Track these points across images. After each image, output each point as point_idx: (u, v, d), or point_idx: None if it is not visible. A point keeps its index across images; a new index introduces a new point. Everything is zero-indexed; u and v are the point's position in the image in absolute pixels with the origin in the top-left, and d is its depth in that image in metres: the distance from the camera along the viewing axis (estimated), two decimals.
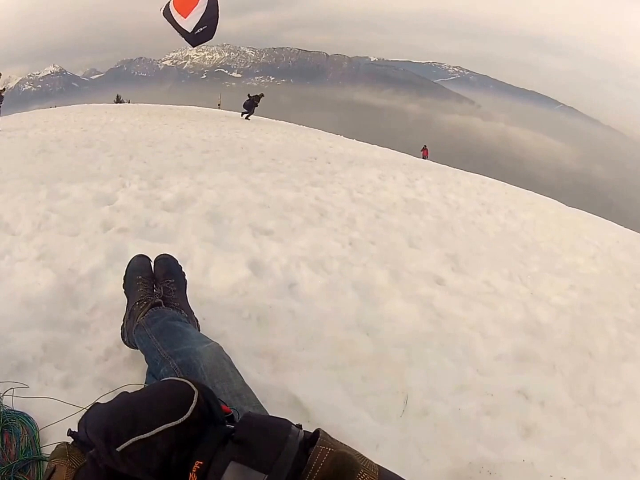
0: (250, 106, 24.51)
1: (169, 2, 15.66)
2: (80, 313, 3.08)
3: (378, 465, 1.18)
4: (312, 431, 1.27)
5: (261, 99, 24.43)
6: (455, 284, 4.52)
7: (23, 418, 2.07)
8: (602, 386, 3.41)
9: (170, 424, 1.20)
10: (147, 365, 2.25)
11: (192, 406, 1.24)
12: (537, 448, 2.55)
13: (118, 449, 1.17)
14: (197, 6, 14.88)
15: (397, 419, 2.56)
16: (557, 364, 3.47)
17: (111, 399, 1.40)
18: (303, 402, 2.50)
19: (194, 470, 1.13)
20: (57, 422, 2.04)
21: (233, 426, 1.29)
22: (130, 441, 1.17)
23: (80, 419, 1.38)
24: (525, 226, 8.30)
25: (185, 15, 14.97)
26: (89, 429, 1.28)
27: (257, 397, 1.98)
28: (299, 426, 1.27)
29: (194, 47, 15.31)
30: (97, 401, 1.47)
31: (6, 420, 2.04)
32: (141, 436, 1.17)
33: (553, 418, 2.85)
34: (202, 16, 14.83)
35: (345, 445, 1.22)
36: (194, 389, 1.29)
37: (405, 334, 3.44)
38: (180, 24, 14.89)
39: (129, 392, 1.45)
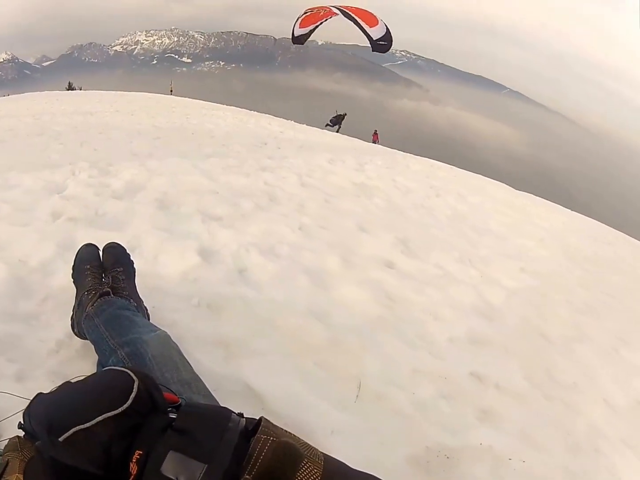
0: (336, 122, 25.81)
1: (341, 8, 16.15)
2: (31, 305, 3.03)
3: (323, 454, 1.18)
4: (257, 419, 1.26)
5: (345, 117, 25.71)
6: (407, 267, 4.54)
7: None
8: (557, 368, 3.47)
9: (110, 414, 1.19)
10: (97, 356, 2.23)
11: (132, 395, 1.24)
12: (495, 431, 2.58)
13: (60, 439, 1.16)
14: (379, 24, 15.47)
15: (352, 405, 2.56)
16: (510, 346, 3.52)
17: (53, 388, 1.39)
18: (256, 390, 2.49)
19: (134, 460, 1.13)
20: (11, 416, 1.95)
21: (174, 415, 1.29)
22: (72, 431, 1.16)
23: (24, 410, 1.37)
24: (475, 209, 8.35)
25: (371, 25, 15.37)
26: (33, 419, 1.29)
27: (210, 385, 1.98)
28: (241, 415, 1.28)
29: (372, 51, 15.69)
30: (41, 391, 1.43)
31: None
32: (82, 426, 1.16)
33: (509, 401, 2.88)
34: (385, 34, 15.44)
35: (289, 433, 1.22)
36: (134, 377, 1.28)
37: (358, 318, 3.45)
38: (365, 29, 15.35)
39: (72, 381, 1.44)
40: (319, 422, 2.37)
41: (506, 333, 3.72)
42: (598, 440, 2.86)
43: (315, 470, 1.09)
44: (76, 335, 2.58)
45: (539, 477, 2.44)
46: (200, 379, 1.98)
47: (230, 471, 1.08)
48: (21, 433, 1.51)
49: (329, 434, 2.31)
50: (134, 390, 1.24)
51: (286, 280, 3.80)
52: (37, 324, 2.83)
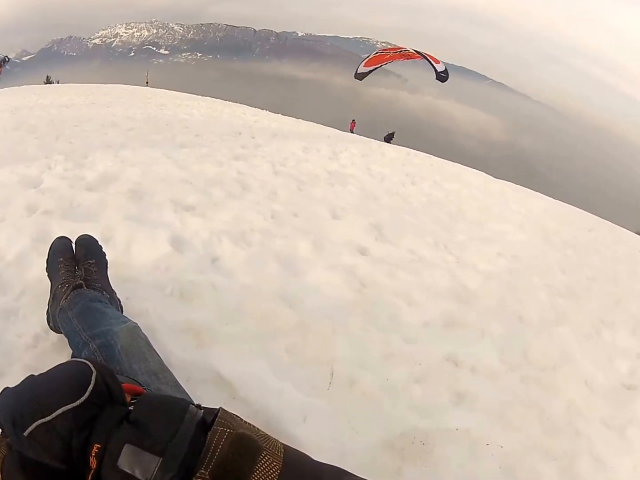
0: (389, 139, 25.84)
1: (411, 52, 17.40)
2: (8, 299, 3.03)
3: (284, 446, 1.16)
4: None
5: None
6: (380, 253, 4.57)
7: None
8: (535, 351, 3.51)
9: (68, 406, 1.17)
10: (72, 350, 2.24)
11: (90, 387, 1.21)
12: (471, 415, 2.61)
13: (25, 434, 1.14)
14: (440, 63, 17.37)
15: (324, 390, 2.58)
16: (486, 329, 3.56)
17: (21, 382, 1.37)
18: (227, 378, 2.50)
19: (92, 454, 1.11)
20: None
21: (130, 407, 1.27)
22: (34, 425, 1.15)
23: None
24: (451, 196, 8.41)
25: (436, 63, 17.16)
26: (1, 414, 1.24)
27: (181, 375, 2.02)
28: (199, 406, 1.25)
29: (436, 79, 17.52)
30: (7, 386, 1.40)
31: None
32: (43, 420, 1.15)
33: (485, 384, 2.92)
34: (444, 69, 17.21)
35: (248, 424, 1.20)
36: (92, 369, 1.26)
37: (330, 303, 3.47)
38: (433, 64, 17.03)
39: (35, 374, 1.42)
40: (290, 408, 2.39)
41: (482, 316, 3.75)
42: (578, 421, 2.89)
43: (275, 463, 1.08)
44: (52, 329, 2.59)
45: (517, 460, 2.46)
46: (169, 370, 1.98)
47: (186, 464, 1.06)
48: None
49: (302, 421, 2.32)
50: (92, 381, 1.22)
51: (257, 267, 3.81)
52: (14, 319, 2.83)
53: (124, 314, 2.50)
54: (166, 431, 1.10)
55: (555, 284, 5.00)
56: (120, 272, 3.08)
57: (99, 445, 1.11)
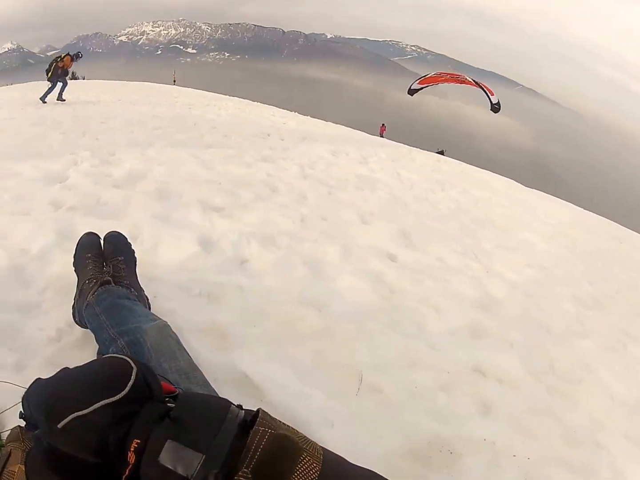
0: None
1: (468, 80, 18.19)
2: (31, 293, 3.03)
3: (322, 448, 1.13)
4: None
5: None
6: (408, 259, 4.51)
7: None
8: (561, 363, 3.44)
9: (107, 401, 1.14)
10: (98, 345, 2.22)
11: (130, 383, 1.19)
12: (498, 426, 2.55)
13: (59, 426, 1.11)
14: (495, 94, 17.89)
15: (352, 396, 2.54)
16: (513, 340, 3.49)
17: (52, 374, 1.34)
18: (254, 380, 2.47)
19: (132, 449, 1.08)
20: (12, 407, 1.98)
21: (172, 405, 1.24)
22: (69, 418, 1.12)
23: (23, 395, 1.33)
24: (479, 204, 8.34)
25: (491, 94, 17.67)
26: (32, 405, 1.25)
27: (207, 375, 1.96)
28: (239, 406, 1.22)
29: (490, 110, 18.00)
30: (39, 377, 1.38)
31: None
32: (79, 413, 1.12)
33: (512, 395, 2.86)
34: (498, 101, 17.63)
35: (288, 426, 1.17)
36: (133, 365, 1.24)
37: (357, 309, 3.42)
38: (488, 96, 17.49)
39: (70, 367, 1.39)
40: (317, 413, 2.35)
41: (508, 326, 3.68)
42: (599, 434, 2.83)
43: (315, 465, 1.05)
44: (77, 324, 2.57)
45: (540, 472, 2.40)
46: (198, 369, 1.97)
47: (228, 463, 1.04)
48: (22, 423, 1.49)
49: (330, 426, 2.29)
50: (132, 377, 1.20)
51: (285, 270, 3.78)
52: (37, 313, 2.83)
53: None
54: (209, 429, 1.08)
55: (582, 295, 4.92)
56: (146, 271, 3.04)
57: (139, 441, 1.08)
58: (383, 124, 33.39)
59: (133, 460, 1.07)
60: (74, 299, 2.58)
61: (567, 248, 6.91)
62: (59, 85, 15.47)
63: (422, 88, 18.68)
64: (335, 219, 5.20)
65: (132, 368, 1.22)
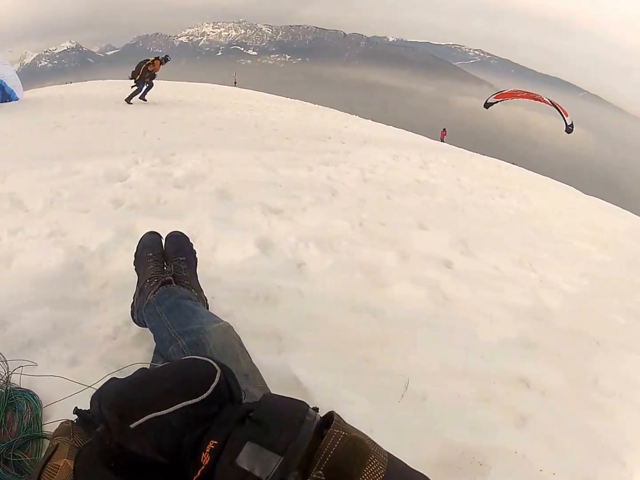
0: None
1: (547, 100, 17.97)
2: (90, 290, 3.09)
3: (387, 452, 1.16)
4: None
5: None
6: (464, 267, 4.47)
7: (29, 396, 2.08)
8: (605, 377, 3.32)
9: (189, 402, 1.18)
10: (154, 344, 2.26)
11: (214, 385, 1.23)
12: (530, 439, 2.49)
13: (132, 426, 1.14)
14: (569, 115, 17.39)
15: (395, 403, 2.53)
16: (563, 352, 3.41)
17: (129, 374, 1.37)
18: (303, 384, 2.49)
19: (207, 450, 1.10)
20: (61, 400, 2.04)
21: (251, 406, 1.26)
22: (146, 418, 1.15)
23: (94, 394, 1.36)
24: (539, 212, 8.18)
25: (566, 115, 17.26)
26: (103, 403, 1.26)
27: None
28: (316, 409, 1.26)
29: (565, 131, 17.61)
30: (113, 376, 1.43)
31: (12, 398, 2.05)
32: (157, 413, 1.15)
33: (551, 408, 2.79)
34: (572, 122, 17.36)
35: (357, 429, 1.20)
36: (217, 367, 1.28)
37: (412, 316, 3.40)
38: (563, 117, 17.25)
39: (148, 368, 1.45)
40: (359, 419, 2.34)
41: (559, 338, 3.61)
42: (627, 454, 2.75)
43: (381, 467, 1.07)
44: (135, 322, 2.61)
45: None
46: (258, 371, 1.99)
47: (303, 465, 1.06)
48: (73, 418, 1.54)
49: (369, 432, 2.29)
50: (215, 379, 1.24)
51: (342, 275, 3.78)
52: (95, 310, 2.89)
53: None
54: (289, 431, 1.11)
55: (635, 308, 4.76)
56: (206, 272, 3.07)
57: (216, 442, 1.11)
58: (444, 129, 33.22)
59: (207, 462, 1.08)
60: (134, 298, 2.62)
61: (622, 258, 6.75)
62: (144, 87, 15.85)
63: (497, 102, 18.69)
64: (394, 224, 5.17)
65: (216, 370, 1.26)
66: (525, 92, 18.50)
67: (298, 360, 2.66)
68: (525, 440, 2.46)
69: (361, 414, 2.38)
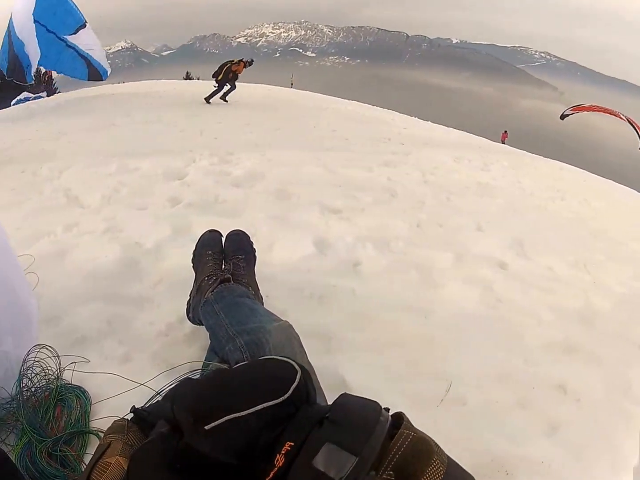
0: None
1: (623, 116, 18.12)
2: (145, 287, 3.14)
3: (447, 455, 1.18)
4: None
5: None
6: (519, 268, 4.42)
7: (79, 392, 2.12)
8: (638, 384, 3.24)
9: (269, 403, 1.18)
10: (207, 342, 2.29)
11: (294, 385, 1.23)
12: (558, 449, 2.44)
13: (207, 427, 1.13)
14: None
15: (434, 407, 2.53)
16: (604, 357, 3.31)
17: (182, 372, 1.43)
18: (349, 385, 2.50)
19: (283, 452, 1.10)
20: (111, 398, 2.07)
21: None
22: (223, 419, 1.14)
23: (167, 393, 1.40)
24: (597, 214, 7.98)
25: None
26: (177, 403, 1.25)
27: None
28: (387, 409, 1.27)
29: (638, 148, 17.74)
30: (188, 376, 1.50)
31: (62, 393, 2.09)
32: (235, 414, 1.15)
33: (583, 417, 2.71)
34: None
35: (421, 431, 1.21)
36: (297, 368, 1.28)
37: (462, 317, 3.39)
38: (637, 131, 17.44)
39: (225, 368, 1.52)
40: None
41: (604, 343, 3.50)
42: None
43: (441, 468, 1.10)
44: (190, 320, 2.63)
45: None
46: (315, 371, 1.97)
47: (375, 464, 1.07)
48: (120, 415, 1.58)
49: None
50: (296, 380, 1.24)
51: (397, 275, 3.77)
52: (149, 307, 2.93)
53: None
54: (364, 432, 1.11)
55: None
56: (261, 270, 3.02)
57: (292, 443, 1.11)
58: (505, 131, 32.86)
59: (281, 463, 1.08)
60: (190, 295, 2.65)
61: None
62: (226, 87, 16.26)
63: (573, 113, 18.56)
64: (451, 226, 5.15)
65: (296, 371, 1.26)
66: (601, 107, 18.31)
67: (345, 361, 2.67)
68: (553, 450, 2.44)
69: None
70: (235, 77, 16.33)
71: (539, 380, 2.89)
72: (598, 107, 18.54)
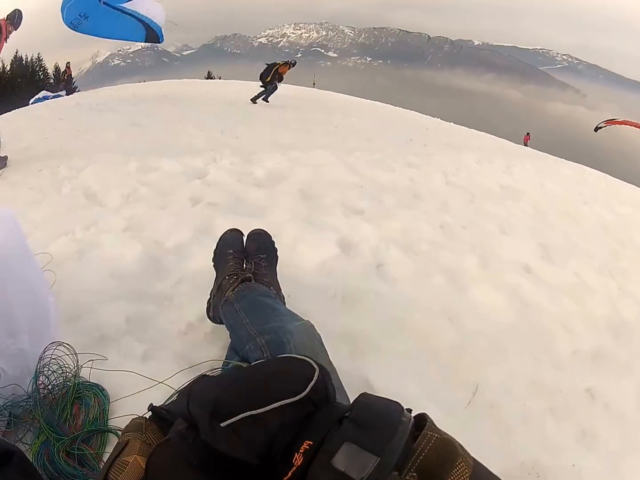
0: None
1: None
2: (165, 286, 3.12)
3: (473, 457, 1.13)
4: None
5: None
6: (544, 274, 4.37)
7: (97, 390, 2.10)
8: None
9: (287, 401, 1.15)
10: (227, 341, 2.27)
11: (312, 384, 1.20)
12: (589, 454, 2.45)
13: (223, 424, 1.11)
14: None
15: (462, 410, 2.51)
16: (631, 367, 3.31)
17: (202, 371, 1.39)
18: (373, 387, 2.47)
19: (301, 451, 1.07)
20: (130, 396, 2.05)
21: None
22: (239, 417, 1.11)
23: (183, 390, 1.35)
24: (622, 220, 7.91)
25: None
26: (193, 400, 1.22)
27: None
28: (409, 410, 1.22)
29: None
30: (205, 373, 1.46)
31: (79, 391, 2.07)
32: (252, 412, 1.12)
33: (612, 424, 2.72)
34: None
35: (445, 432, 1.15)
36: (315, 366, 1.25)
37: (489, 323, 3.35)
38: None
39: (242, 365, 1.47)
40: None
41: (631, 352, 3.50)
42: None
43: (467, 470, 1.05)
44: (210, 319, 2.62)
45: None
46: (336, 371, 1.94)
47: (398, 465, 1.03)
48: (140, 413, 1.55)
49: None
50: (314, 379, 1.21)
51: (422, 279, 3.74)
52: (169, 305, 2.91)
53: None
54: (386, 432, 1.07)
55: None
56: (284, 270, 2.99)
57: (311, 443, 1.08)
58: (527, 133, 32.71)
59: (299, 463, 1.06)
60: (210, 294, 2.63)
61: None
62: (272, 89, 16.79)
63: (606, 125, 18.72)
64: (475, 228, 5.12)
65: (314, 369, 1.24)
66: (634, 122, 18.45)
67: (370, 363, 2.65)
68: (584, 455, 2.43)
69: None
70: (281, 79, 16.91)
71: (568, 387, 2.87)
72: (631, 122, 18.65)
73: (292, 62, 17.23)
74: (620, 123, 18.41)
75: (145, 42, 13.81)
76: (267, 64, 17.25)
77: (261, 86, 16.51)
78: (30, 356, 2.06)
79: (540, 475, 2.23)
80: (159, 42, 14.13)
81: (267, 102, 16.36)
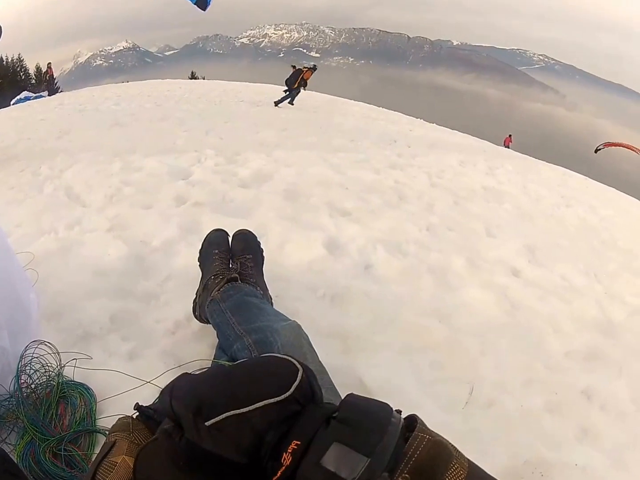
0: None
1: None
2: (151, 284, 3.10)
3: (467, 458, 1.12)
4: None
5: None
6: (532, 275, 4.39)
7: (82, 389, 2.07)
8: None
9: (271, 400, 1.14)
10: (215, 340, 2.26)
11: (296, 384, 1.19)
12: (592, 452, 2.44)
13: (207, 423, 1.11)
14: None
15: (460, 409, 2.50)
16: (624, 366, 3.30)
17: (193, 370, 1.38)
18: (368, 386, 2.46)
19: (289, 450, 1.07)
20: (117, 395, 2.03)
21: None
22: (223, 416, 1.11)
23: (164, 388, 1.31)
24: (605, 222, 8.02)
25: None
26: (176, 398, 1.21)
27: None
28: (399, 411, 1.23)
29: None
30: (185, 371, 1.42)
31: (64, 391, 2.04)
32: (237, 411, 1.12)
33: (612, 422, 2.72)
34: None
35: (438, 434, 1.16)
36: (298, 366, 1.25)
37: (479, 323, 3.35)
38: None
39: (225, 364, 1.43)
40: (425, 423, 2.32)
41: (623, 352, 3.50)
42: None
43: (462, 472, 1.05)
44: (197, 318, 2.60)
45: None
46: (326, 371, 1.94)
47: (389, 467, 1.03)
48: (130, 413, 1.53)
49: None
50: (297, 378, 1.20)
51: (410, 279, 3.73)
52: (155, 304, 2.89)
53: None
54: (375, 433, 1.07)
55: None
56: (272, 270, 3.00)
57: (299, 442, 1.08)
58: (510, 135, 32.84)
59: (288, 462, 1.05)
60: (196, 294, 2.62)
61: None
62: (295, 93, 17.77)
63: (604, 148, 19.27)
64: (462, 230, 5.13)
65: (298, 369, 1.23)
66: (633, 147, 18.98)
67: (363, 363, 2.64)
68: (586, 454, 2.43)
69: (427, 419, 2.34)
70: (305, 84, 18.05)
71: (562, 386, 2.89)
72: (628, 145, 19.29)
73: (312, 67, 18.29)
74: (618, 145, 18.94)
75: (195, 4, 13.85)
76: (293, 67, 18.23)
77: (285, 90, 17.45)
78: (11, 354, 2.04)
79: (543, 474, 2.24)
80: (204, 10, 14.17)
81: (292, 104, 17.31)
